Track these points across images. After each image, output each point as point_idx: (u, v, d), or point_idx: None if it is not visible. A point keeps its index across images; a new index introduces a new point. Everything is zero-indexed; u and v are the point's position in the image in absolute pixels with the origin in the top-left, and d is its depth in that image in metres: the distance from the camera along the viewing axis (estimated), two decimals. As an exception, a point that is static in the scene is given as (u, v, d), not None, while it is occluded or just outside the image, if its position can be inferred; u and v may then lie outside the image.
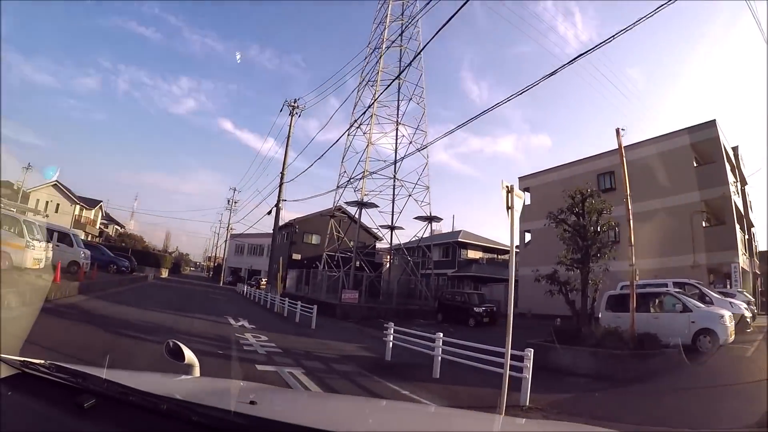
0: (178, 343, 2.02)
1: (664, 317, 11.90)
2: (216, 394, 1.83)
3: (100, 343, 7.80)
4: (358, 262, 29.00)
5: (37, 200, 46.18)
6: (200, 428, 1.18)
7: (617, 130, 11.74)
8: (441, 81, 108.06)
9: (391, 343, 10.08)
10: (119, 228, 63.86)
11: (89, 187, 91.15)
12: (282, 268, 27.01)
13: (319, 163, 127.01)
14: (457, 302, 22.87)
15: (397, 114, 31.86)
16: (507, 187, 6.55)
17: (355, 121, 30.64)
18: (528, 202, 31.39)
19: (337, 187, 30.84)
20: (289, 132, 29.32)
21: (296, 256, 40.31)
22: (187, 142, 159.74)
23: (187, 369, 2.02)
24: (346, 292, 25.31)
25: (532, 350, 6.78)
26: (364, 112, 29.25)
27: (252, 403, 1.41)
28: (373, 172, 28.22)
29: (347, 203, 31.44)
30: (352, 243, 29.51)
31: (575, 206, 12.20)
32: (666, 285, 14.50)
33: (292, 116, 29.23)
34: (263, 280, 49.32)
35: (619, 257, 12.58)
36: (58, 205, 46.76)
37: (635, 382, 8.56)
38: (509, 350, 6.10)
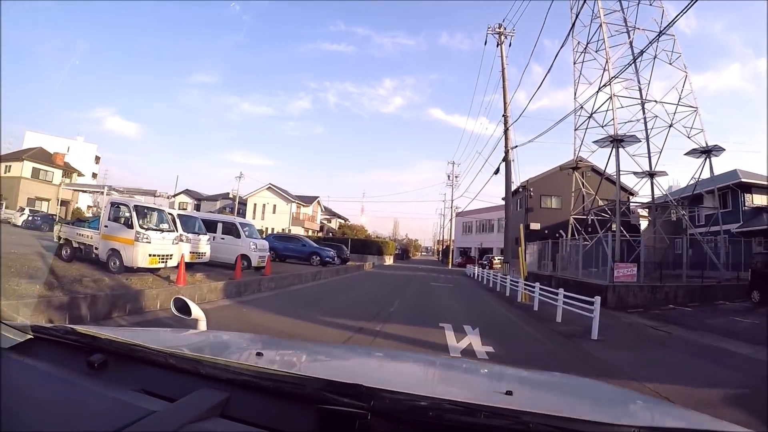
0: (184, 298, 1.96)
1: None
2: (223, 346, 1.85)
3: None
4: (614, 225, 20.08)
5: (255, 204, 49.00)
6: (207, 380, 1.16)
7: None
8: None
9: None
10: (342, 221, 65.07)
11: (320, 190, 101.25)
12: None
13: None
14: (786, 270, 14.92)
15: (624, 22, 21.63)
16: None
17: (579, 43, 22.69)
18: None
19: (576, 129, 22.84)
20: (502, 64, 22.92)
21: (534, 226, 31.46)
22: (402, 137, 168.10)
23: (194, 323, 1.98)
24: (621, 267, 15.92)
25: None
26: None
27: (259, 354, 1.48)
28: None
29: (596, 142, 21.65)
30: (602, 202, 22.80)
31: None
32: None
33: (501, 45, 23.00)
34: (495, 258, 43.38)
35: None
36: (274, 206, 48.67)
37: None
38: None
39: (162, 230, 10.18)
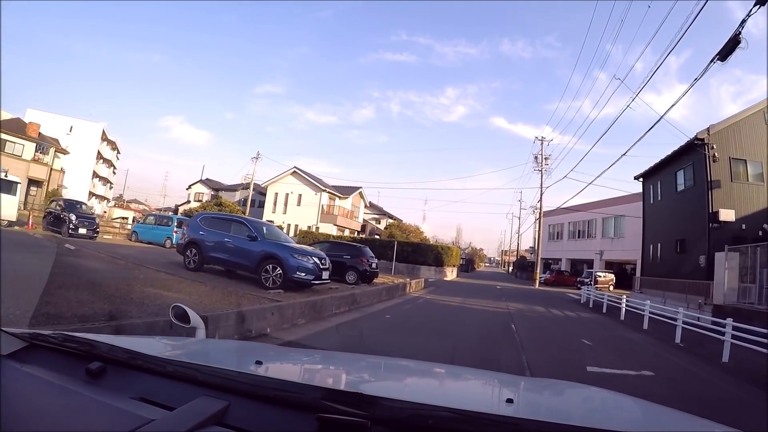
0: (183, 306, 1.90)
1: None
2: (222, 355, 1.84)
3: None
4: None
5: (276, 194, 37.88)
6: (206, 389, 1.13)
7: None
8: None
9: None
10: (394, 221, 52.56)
11: (383, 199, 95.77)
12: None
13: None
14: None
15: None
16: None
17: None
18: None
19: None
20: None
21: (725, 215, 16.98)
22: (465, 146, 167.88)
23: (193, 331, 1.95)
24: None
25: None
26: None
27: (258, 363, 1.44)
28: None
29: None
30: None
31: None
32: None
33: None
34: (602, 275, 31.71)
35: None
36: (300, 195, 37.30)
37: None
38: None
39: None
